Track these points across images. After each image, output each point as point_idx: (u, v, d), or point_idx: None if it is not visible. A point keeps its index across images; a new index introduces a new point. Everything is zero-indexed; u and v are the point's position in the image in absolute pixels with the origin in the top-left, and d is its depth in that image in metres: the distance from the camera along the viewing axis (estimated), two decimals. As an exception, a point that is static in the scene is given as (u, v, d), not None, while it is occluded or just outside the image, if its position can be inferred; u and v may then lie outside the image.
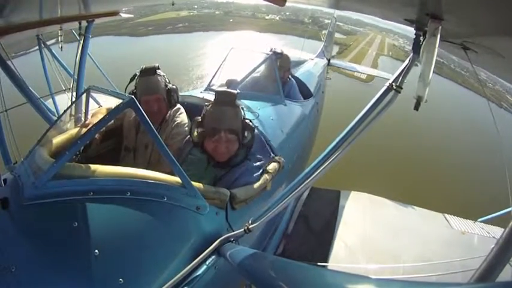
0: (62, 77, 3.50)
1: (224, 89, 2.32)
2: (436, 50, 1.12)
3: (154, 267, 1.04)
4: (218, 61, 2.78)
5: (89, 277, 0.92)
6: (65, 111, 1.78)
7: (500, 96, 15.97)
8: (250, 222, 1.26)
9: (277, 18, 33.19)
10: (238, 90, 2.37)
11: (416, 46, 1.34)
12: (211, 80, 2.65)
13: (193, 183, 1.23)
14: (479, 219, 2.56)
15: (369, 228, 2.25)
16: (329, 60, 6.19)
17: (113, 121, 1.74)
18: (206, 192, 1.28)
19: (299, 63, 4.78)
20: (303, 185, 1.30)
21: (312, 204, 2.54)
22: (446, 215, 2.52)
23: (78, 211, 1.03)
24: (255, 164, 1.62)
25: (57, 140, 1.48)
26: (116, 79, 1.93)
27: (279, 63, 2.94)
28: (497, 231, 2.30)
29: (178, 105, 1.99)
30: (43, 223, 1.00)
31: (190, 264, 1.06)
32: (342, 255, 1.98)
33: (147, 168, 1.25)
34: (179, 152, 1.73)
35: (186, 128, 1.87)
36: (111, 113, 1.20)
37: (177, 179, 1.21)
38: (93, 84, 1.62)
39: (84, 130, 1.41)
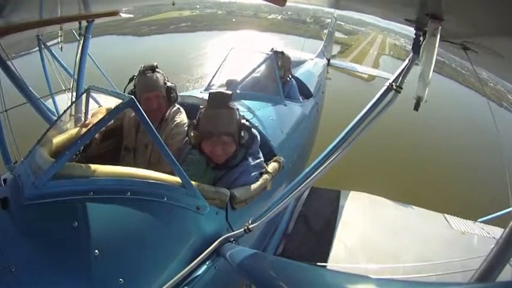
0: (62, 77, 3.51)
1: (219, 90, 2.32)
2: (436, 50, 1.12)
3: (155, 267, 1.04)
4: (221, 60, 2.79)
5: (89, 277, 0.92)
6: (65, 111, 1.78)
7: (501, 95, 15.95)
8: (250, 222, 1.26)
9: (279, 17, 33.21)
10: (238, 90, 2.40)
11: (416, 46, 1.34)
12: (211, 80, 2.65)
13: (193, 183, 1.23)
14: (479, 220, 2.56)
15: (368, 228, 2.25)
16: (329, 60, 6.19)
17: (112, 121, 1.74)
18: (206, 192, 1.28)
19: (299, 63, 4.78)
20: (303, 185, 1.30)
21: (312, 204, 2.54)
22: (446, 215, 2.52)
23: (78, 211, 1.03)
24: (254, 164, 1.62)
25: (57, 140, 1.48)
26: (118, 79, 1.94)
27: (280, 63, 2.94)
28: (497, 232, 2.30)
29: (178, 106, 2.00)
30: (43, 223, 1.00)
31: (191, 264, 1.06)
32: (342, 255, 1.98)
33: (147, 168, 1.25)
34: (179, 152, 1.73)
35: (186, 128, 1.87)
36: (111, 113, 1.20)
37: (177, 179, 1.21)
38: (93, 84, 1.62)
39: (84, 130, 1.41)
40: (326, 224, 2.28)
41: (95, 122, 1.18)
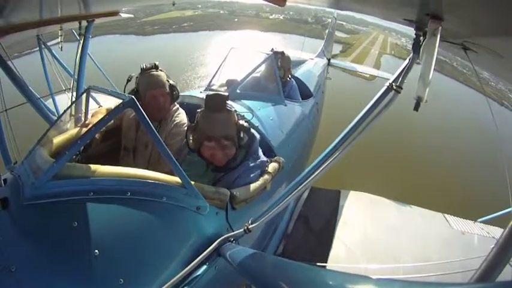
0: (62, 77, 3.51)
1: (218, 90, 2.32)
2: (436, 50, 1.12)
3: (155, 268, 1.04)
4: (222, 60, 2.79)
5: (89, 277, 0.92)
6: (65, 111, 1.78)
7: (502, 95, 15.95)
8: (250, 222, 1.26)
9: (281, 17, 33.28)
10: (238, 90, 2.40)
11: (416, 46, 1.33)
12: (211, 80, 2.64)
13: (193, 183, 1.23)
14: (479, 220, 2.56)
15: (368, 228, 2.25)
16: (329, 60, 6.18)
17: (112, 121, 1.74)
18: (206, 193, 1.28)
19: (299, 63, 4.77)
20: (303, 185, 1.30)
21: (312, 204, 2.55)
22: (446, 215, 2.53)
23: (78, 211, 1.03)
24: (254, 164, 1.62)
25: (57, 140, 1.48)
26: (122, 78, 1.94)
27: (280, 63, 2.94)
28: (497, 232, 2.30)
29: (177, 105, 2.00)
30: (43, 223, 1.00)
31: (190, 265, 1.06)
32: (342, 255, 1.98)
33: (147, 168, 1.25)
34: (179, 152, 1.73)
35: (186, 128, 1.88)
36: (111, 113, 1.20)
37: (177, 179, 1.21)
38: (94, 84, 1.62)
39: (84, 130, 1.41)
40: (326, 224, 2.28)
41: (95, 122, 1.18)
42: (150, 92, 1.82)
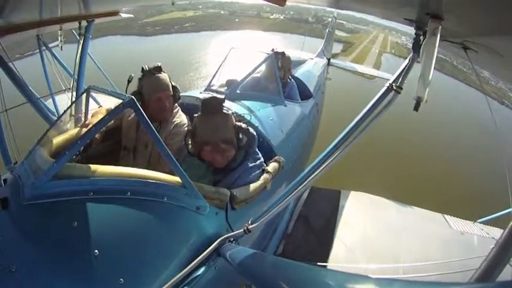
0: (62, 77, 3.50)
1: (216, 91, 2.32)
2: (436, 49, 1.12)
3: (155, 267, 1.04)
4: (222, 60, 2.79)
5: (89, 277, 0.92)
6: (65, 111, 1.78)
7: (502, 93, 15.94)
8: (250, 222, 1.26)
9: (282, 17, 33.38)
10: (238, 91, 2.40)
11: (417, 46, 1.33)
12: (211, 80, 2.64)
13: (193, 183, 1.23)
14: (479, 220, 2.56)
15: (368, 228, 2.25)
16: (329, 60, 6.18)
17: (112, 121, 1.74)
18: (206, 193, 1.28)
19: (299, 62, 4.77)
20: (303, 185, 1.30)
21: (312, 204, 2.55)
22: (445, 215, 2.53)
23: (78, 211, 1.03)
24: (254, 164, 1.62)
25: (57, 140, 1.48)
26: (122, 79, 1.94)
27: (280, 63, 2.93)
28: (497, 232, 2.31)
29: (177, 106, 2.00)
30: (43, 223, 1.00)
31: (190, 265, 1.06)
32: (342, 255, 1.98)
33: (147, 167, 1.25)
34: (179, 152, 1.73)
35: (186, 128, 1.88)
36: (111, 113, 1.20)
37: (177, 179, 1.21)
38: (94, 84, 1.62)
39: (84, 130, 1.41)
40: (326, 224, 2.28)
41: (95, 122, 1.18)
42: (155, 95, 1.83)
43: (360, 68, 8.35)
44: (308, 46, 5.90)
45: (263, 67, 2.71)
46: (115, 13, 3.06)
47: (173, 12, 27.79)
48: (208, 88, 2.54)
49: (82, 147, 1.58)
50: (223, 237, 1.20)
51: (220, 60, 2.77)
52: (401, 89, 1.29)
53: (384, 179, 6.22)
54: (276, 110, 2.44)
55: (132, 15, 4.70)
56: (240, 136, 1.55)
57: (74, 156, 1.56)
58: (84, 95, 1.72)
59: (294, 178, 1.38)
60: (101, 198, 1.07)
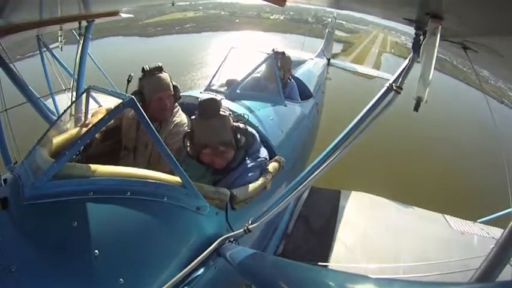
0: (62, 77, 3.50)
1: (213, 93, 2.32)
2: (436, 49, 1.12)
3: (155, 267, 1.04)
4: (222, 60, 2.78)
5: (89, 277, 0.92)
6: (65, 111, 1.78)
7: (501, 92, 15.93)
8: (250, 222, 1.26)
9: (282, 18, 33.42)
10: (238, 90, 2.40)
11: (416, 46, 1.33)
12: (211, 80, 2.64)
13: (193, 183, 1.23)
14: (479, 220, 2.56)
15: (369, 228, 2.25)
16: (329, 60, 6.17)
17: (112, 121, 1.74)
18: (206, 192, 1.28)
19: (299, 63, 4.77)
20: (303, 185, 1.30)
21: (312, 204, 2.55)
22: (445, 215, 2.53)
23: (78, 211, 1.03)
24: (254, 164, 1.62)
25: (57, 140, 1.48)
26: (122, 79, 1.95)
27: (280, 63, 2.93)
28: (497, 232, 2.31)
29: (177, 105, 2.00)
30: (43, 223, 1.00)
31: (190, 265, 1.06)
32: (342, 255, 1.98)
33: (147, 167, 1.25)
34: (179, 152, 1.73)
35: (186, 128, 1.88)
36: (111, 113, 1.20)
37: (177, 179, 1.21)
38: (94, 84, 1.62)
39: (84, 130, 1.41)
40: (326, 224, 2.28)
41: (95, 122, 1.18)
42: (157, 95, 1.83)
43: (360, 68, 8.35)
44: (308, 46, 5.90)
45: (263, 67, 2.71)
46: (115, 13, 3.06)
47: (174, 13, 27.89)
48: (208, 88, 2.54)
49: (82, 147, 1.58)
50: (223, 237, 1.20)
51: (221, 60, 2.77)
52: (401, 89, 1.29)
53: (384, 178, 6.21)
54: (276, 110, 2.44)
55: (132, 16, 4.71)
56: (238, 136, 1.55)
57: (74, 156, 1.56)
58: (84, 94, 1.72)
59: (294, 178, 1.38)
60: (101, 198, 1.07)
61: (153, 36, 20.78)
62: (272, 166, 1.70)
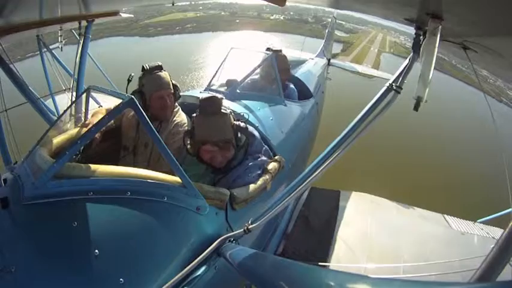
0: (62, 77, 3.51)
1: (215, 91, 2.32)
2: (436, 49, 1.12)
3: (154, 267, 1.04)
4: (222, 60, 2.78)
5: (89, 277, 0.92)
6: (65, 111, 1.78)
7: (500, 91, 15.94)
8: (250, 222, 1.26)
9: (282, 18, 33.52)
10: (238, 90, 2.40)
11: (417, 46, 1.33)
12: (211, 80, 2.64)
13: (193, 183, 1.23)
14: (479, 220, 2.56)
15: (368, 228, 2.24)
16: (329, 60, 6.17)
17: (113, 121, 1.74)
18: (206, 193, 1.28)
19: (299, 62, 4.76)
20: (303, 185, 1.30)
21: (312, 204, 2.54)
22: (445, 215, 2.53)
23: (78, 211, 1.03)
24: (254, 163, 1.62)
25: (57, 140, 1.48)
26: (122, 78, 1.95)
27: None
28: (497, 232, 2.30)
29: (177, 105, 2.00)
30: (43, 223, 1.00)
31: (190, 265, 1.06)
32: (342, 255, 1.98)
33: (147, 167, 1.25)
34: (179, 151, 1.73)
35: (186, 128, 1.88)
36: (111, 113, 1.20)
37: (177, 179, 1.21)
38: (94, 84, 1.62)
39: (84, 130, 1.41)
40: (326, 224, 2.28)
41: (95, 122, 1.18)
42: (157, 93, 1.84)
43: (360, 68, 8.35)
44: (308, 46, 5.90)
45: (263, 67, 2.70)
46: (115, 13, 3.06)
47: (174, 13, 28.04)
48: (208, 88, 2.54)
49: (82, 147, 1.58)
50: (223, 237, 1.20)
51: (221, 60, 2.77)
52: (401, 89, 1.29)
53: (384, 178, 6.22)
54: (275, 110, 2.44)
55: (132, 16, 4.71)
56: (239, 135, 1.55)
57: (74, 156, 1.56)
58: (84, 94, 1.72)
59: (294, 178, 1.38)
60: (101, 198, 1.07)
61: (154, 36, 20.91)
62: (272, 166, 1.70)
